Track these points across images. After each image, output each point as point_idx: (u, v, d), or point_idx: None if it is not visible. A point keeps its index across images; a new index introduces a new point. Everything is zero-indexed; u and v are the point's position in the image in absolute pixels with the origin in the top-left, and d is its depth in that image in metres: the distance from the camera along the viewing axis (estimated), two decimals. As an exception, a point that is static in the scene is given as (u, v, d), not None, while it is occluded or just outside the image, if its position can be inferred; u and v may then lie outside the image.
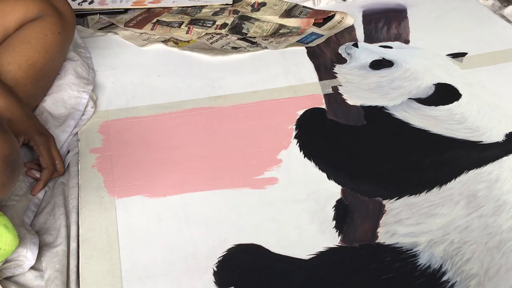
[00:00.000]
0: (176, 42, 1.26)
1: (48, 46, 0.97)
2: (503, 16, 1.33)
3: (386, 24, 1.31)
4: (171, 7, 1.40)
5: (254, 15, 1.36)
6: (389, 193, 0.86)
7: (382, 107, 1.04)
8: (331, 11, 1.35)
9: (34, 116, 0.93)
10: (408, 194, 0.86)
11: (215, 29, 1.31)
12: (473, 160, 0.91)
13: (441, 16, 1.34)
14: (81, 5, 1.38)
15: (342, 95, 1.08)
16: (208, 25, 1.32)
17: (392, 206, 0.84)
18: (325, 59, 1.19)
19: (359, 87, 1.10)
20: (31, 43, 0.95)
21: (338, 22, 1.32)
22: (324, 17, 1.33)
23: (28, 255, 0.74)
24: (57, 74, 1.04)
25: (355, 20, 1.32)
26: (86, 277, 0.74)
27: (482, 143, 0.95)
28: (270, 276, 0.75)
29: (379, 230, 0.80)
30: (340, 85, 1.10)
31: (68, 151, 0.95)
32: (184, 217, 0.83)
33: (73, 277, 0.75)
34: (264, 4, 1.40)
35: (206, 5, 1.40)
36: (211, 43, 1.27)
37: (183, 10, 1.39)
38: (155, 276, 0.74)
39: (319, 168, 0.91)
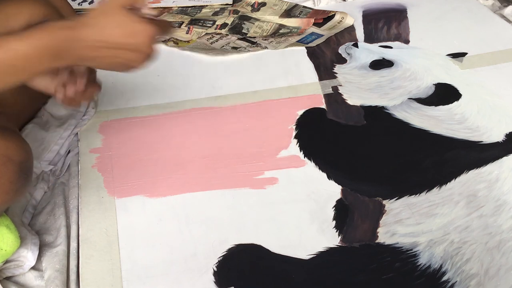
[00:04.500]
0: (176, 42, 1.26)
1: None
2: (503, 16, 1.33)
3: (386, 24, 1.31)
4: (171, 7, 1.40)
5: (254, 15, 1.36)
6: (389, 193, 0.86)
7: (382, 107, 1.04)
8: (331, 11, 1.35)
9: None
10: (408, 194, 0.86)
11: (215, 29, 1.31)
12: (473, 160, 0.91)
13: (441, 16, 1.34)
14: (81, 5, 1.38)
15: (342, 95, 1.08)
16: (208, 25, 1.32)
17: (392, 206, 0.84)
18: (325, 59, 1.19)
19: (359, 87, 1.10)
20: None
21: (338, 22, 1.32)
22: (324, 17, 1.33)
23: (28, 256, 0.74)
24: None
25: (355, 20, 1.32)
26: (86, 277, 0.74)
27: (482, 143, 0.95)
28: (270, 276, 0.75)
29: (379, 230, 0.80)
30: (340, 85, 1.10)
31: (69, 151, 0.95)
32: (184, 217, 0.83)
33: (73, 277, 0.75)
34: (264, 4, 1.40)
35: (206, 5, 1.40)
36: (211, 43, 1.27)
37: (183, 10, 1.39)
38: (155, 276, 0.74)
39: (319, 168, 0.91)
